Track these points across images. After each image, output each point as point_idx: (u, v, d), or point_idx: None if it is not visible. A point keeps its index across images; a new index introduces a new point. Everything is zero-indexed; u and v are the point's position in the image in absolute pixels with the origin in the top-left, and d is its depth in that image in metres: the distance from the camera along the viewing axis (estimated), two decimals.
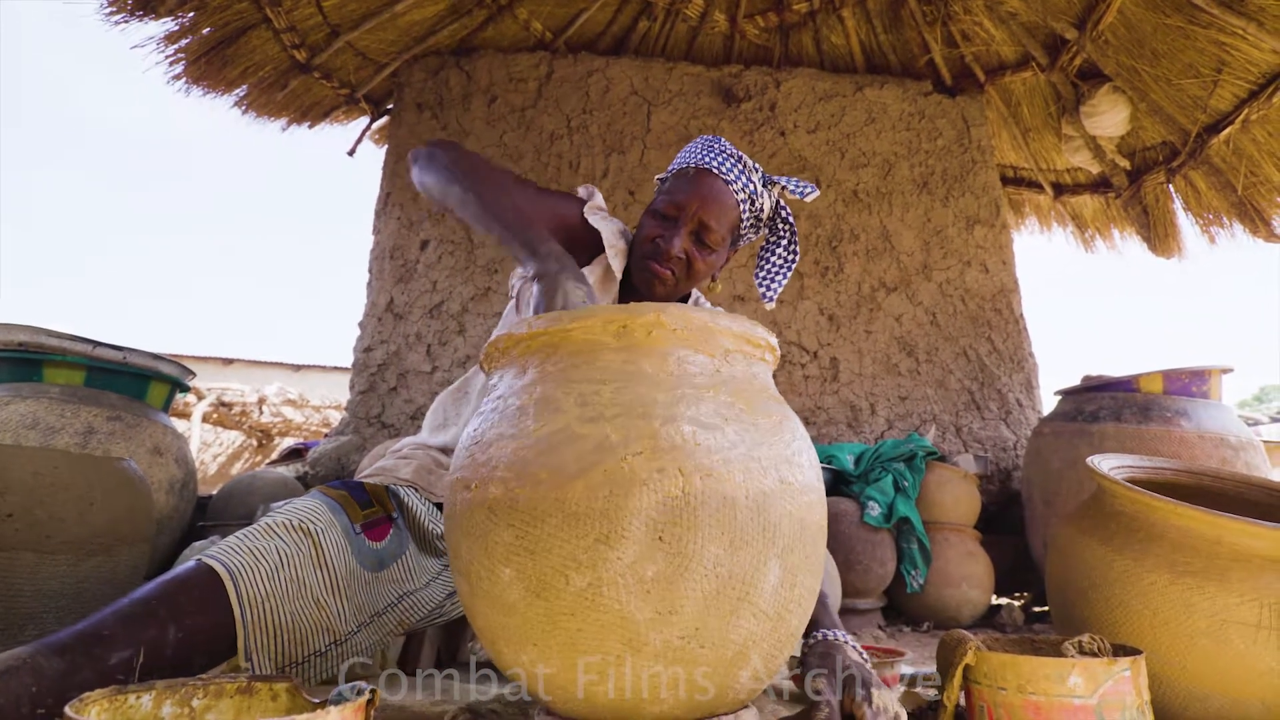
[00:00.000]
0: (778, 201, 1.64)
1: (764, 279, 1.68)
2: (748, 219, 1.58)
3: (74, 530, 1.69)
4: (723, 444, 0.82)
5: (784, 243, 1.68)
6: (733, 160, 1.55)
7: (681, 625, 0.78)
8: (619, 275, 1.59)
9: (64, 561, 1.67)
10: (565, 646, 0.79)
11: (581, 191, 1.67)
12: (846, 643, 1.15)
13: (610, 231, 1.59)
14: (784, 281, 1.68)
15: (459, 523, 0.87)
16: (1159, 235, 4.78)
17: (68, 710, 0.64)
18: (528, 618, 0.80)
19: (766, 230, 1.69)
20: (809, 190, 1.60)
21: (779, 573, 0.83)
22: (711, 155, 1.54)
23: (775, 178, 1.62)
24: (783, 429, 0.89)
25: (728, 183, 1.52)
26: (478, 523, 0.83)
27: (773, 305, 1.69)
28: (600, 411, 0.82)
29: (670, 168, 1.62)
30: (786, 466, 0.86)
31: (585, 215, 1.59)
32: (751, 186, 1.56)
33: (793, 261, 1.69)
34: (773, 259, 1.68)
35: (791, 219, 1.67)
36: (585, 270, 1.55)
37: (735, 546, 0.79)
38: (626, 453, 0.79)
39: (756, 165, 1.59)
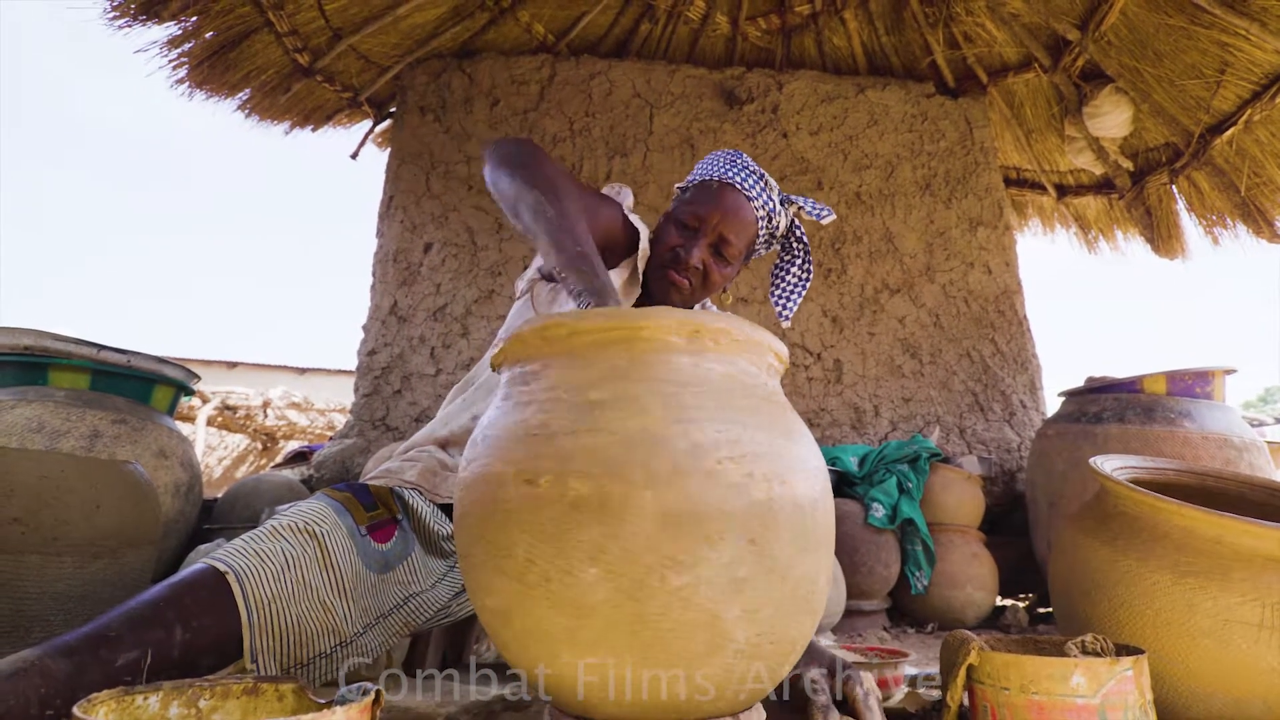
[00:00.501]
0: (792, 220, 1.68)
1: (780, 298, 1.72)
2: (763, 235, 1.62)
3: (80, 533, 1.70)
4: (788, 452, 0.86)
5: (799, 262, 1.72)
6: (755, 177, 1.59)
7: (759, 624, 0.81)
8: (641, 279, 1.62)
9: (70, 564, 1.68)
10: (650, 646, 0.79)
11: (609, 190, 1.68)
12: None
13: (644, 235, 1.62)
14: (799, 300, 1.72)
15: (517, 518, 0.81)
16: (1162, 236, 4.78)
17: (75, 711, 0.64)
18: (612, 619, 0.78)
19: (778, 246, 1.72)
20: (825, 213, 1.63)
21: (825, 574, 0.89)
22: (735, 170, 1.58)
23: (792, 197, 1.66)
24: (812, 440, 0.94)
25: (749, 199, 1.56)
26: (551, 519, 0.79)
27: (788, 324, 1.72)
28: (686, 414, 0.83)
29: (690, 178, 1.65)
30: (823, 476, 0.91)
31: (627, 216, 1.61)
32: (771, 204, 1.60)
33: (807, 280, 1.72)
34: (788, 278, 1.72)
35: (805, 238, 1.70)
36: (613, 272, 1.57)
37: (804, 550, 0.84)
38: (720, 456, 0.81)
39: (774, 183, 1.62)
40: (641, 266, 1.62)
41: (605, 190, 1.68)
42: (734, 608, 0.79)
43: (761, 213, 1.58)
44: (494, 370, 1.01)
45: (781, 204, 1.64)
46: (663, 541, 0.77)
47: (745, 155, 1.62)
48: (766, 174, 1.61)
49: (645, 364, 0.86)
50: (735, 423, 0.84)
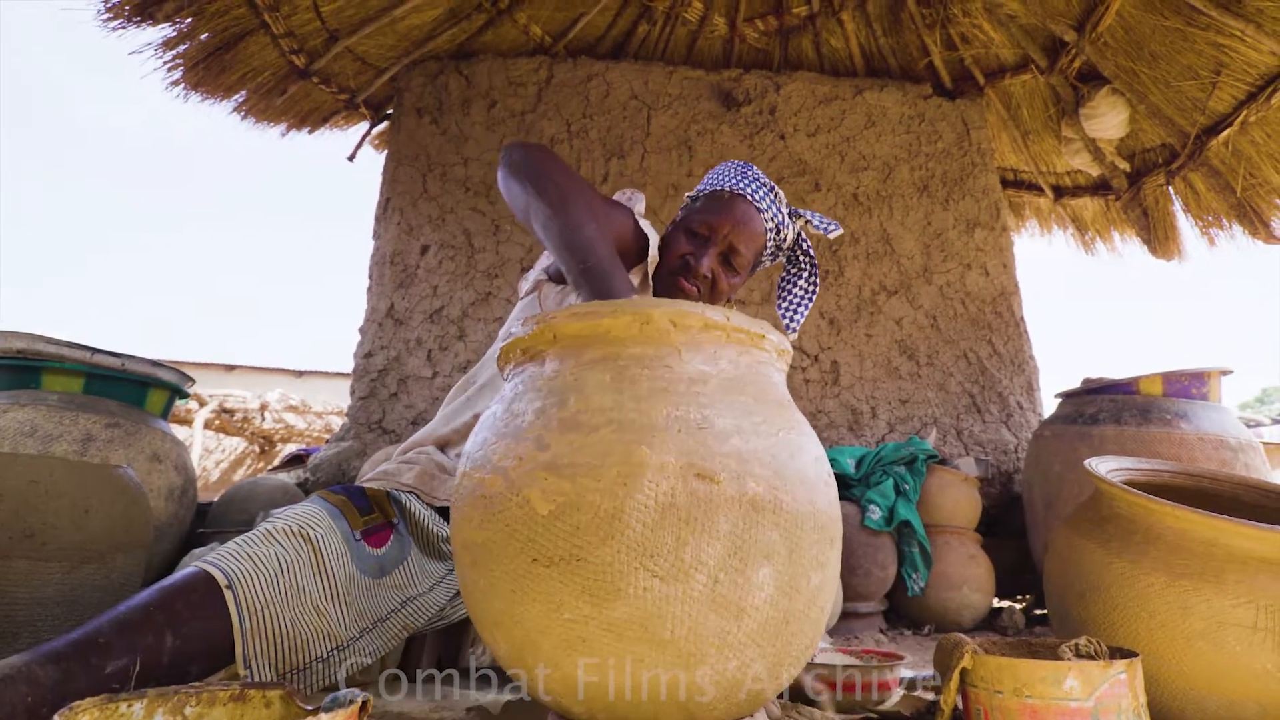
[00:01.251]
0: (799, 233, 1.69)
1: (786, 310, 1.74)
2: (770, 247, 1.65)
3: (69, 537, 1.69)
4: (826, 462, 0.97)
5: (805, 274, 1.74)
6: (765, 189, 1.61)
7: (829, 618, 0.89)
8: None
9: (59, 569, 1.67)
10: (788, 644, 0.82)
11: (621, 196, 1.70)
12: None
13: (654, 242, 1.63)
14: (805, 313, 1.75)
15: (685, 516, 0.76)
16: (1159, 237, 4.78)
17: (56, 719, 0.64)
18: (767, 619, 0.79)
19: (784, 258, 1.74)
20: (833, 228, 1.65)
21: None
22: (746, 182, 1.60)
23: (800, 210, 1.69)
24: None
25: (759, 210, 1.59)
26: (729, 519, 0.77)
27: (795, 336, 1.75)
28: (798, 427, 0.90)
29: (700, 187, 1.67)
30: None
31: (638, 222, 1.62)
32: (780, 217, 1.62)
33: (813, 294, 1.75)
34: (795, 291, 1.75)
35: (812, 251, 1.72)
36: None
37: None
38: (824, 467, 0.90)
39: (783, 196, 1.65)
40: (651, 273, 1.63)
41: (617, 196, 1.69)
42: (830, 602, 0.88)
43: (770, 224, 1.61)
44: (544, 341, 0.91)
45: (790, 217, 1.65)
46: (813, 543, 0.83)
47: (755, 167, 1.65)
48: (776, 186, 1.64)
49: (760, 374, 0.91)
50: (813, 436, 0.92)
